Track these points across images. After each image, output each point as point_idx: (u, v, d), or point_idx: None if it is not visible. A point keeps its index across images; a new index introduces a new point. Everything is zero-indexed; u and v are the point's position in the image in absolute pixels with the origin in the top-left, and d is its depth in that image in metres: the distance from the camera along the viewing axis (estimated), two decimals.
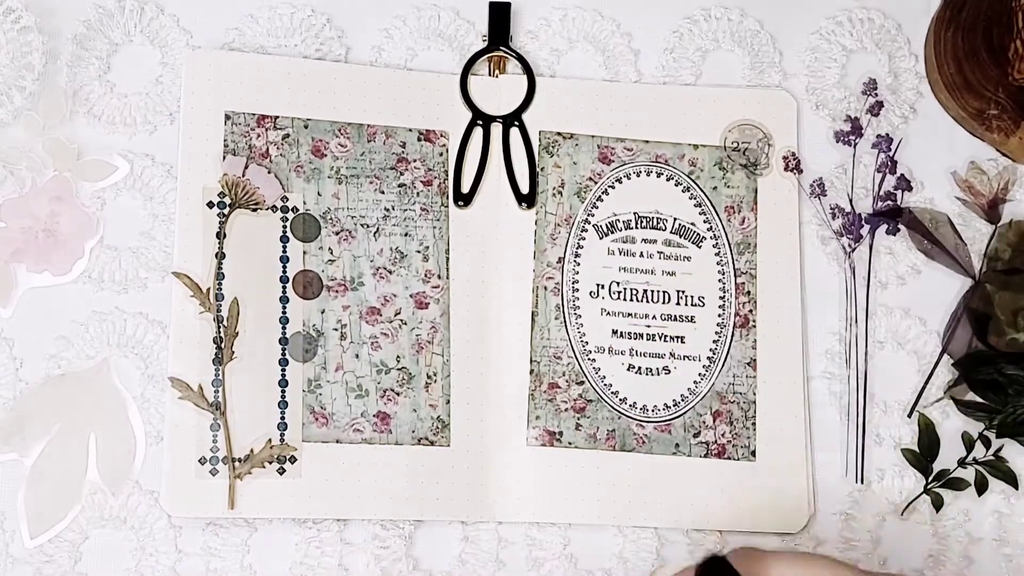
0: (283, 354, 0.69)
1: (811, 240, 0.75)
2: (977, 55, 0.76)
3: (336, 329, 0.70)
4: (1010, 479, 0.71)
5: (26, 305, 0.69)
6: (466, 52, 0.75)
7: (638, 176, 0.74)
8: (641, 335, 0.72)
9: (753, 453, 0.72)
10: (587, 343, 0.72)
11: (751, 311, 0.73)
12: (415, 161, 0.73)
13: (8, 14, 0.72)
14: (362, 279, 0.71)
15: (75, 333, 0.69)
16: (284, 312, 0.70)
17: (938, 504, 0.71)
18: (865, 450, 0.72)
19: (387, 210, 0.72)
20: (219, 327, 0.69)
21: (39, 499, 0.67)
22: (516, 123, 0.74)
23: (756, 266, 0.74)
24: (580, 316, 0.72)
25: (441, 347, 0.71)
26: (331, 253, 0.71)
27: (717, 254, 0.74)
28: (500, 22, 0.75)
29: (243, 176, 0.71)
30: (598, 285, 0.73)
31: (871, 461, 0.72)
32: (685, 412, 0.72)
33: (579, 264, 0.73)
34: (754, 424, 0.72)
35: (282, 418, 0.68)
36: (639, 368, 0.72)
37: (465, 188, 0.73)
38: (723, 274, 0.74)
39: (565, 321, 0.72)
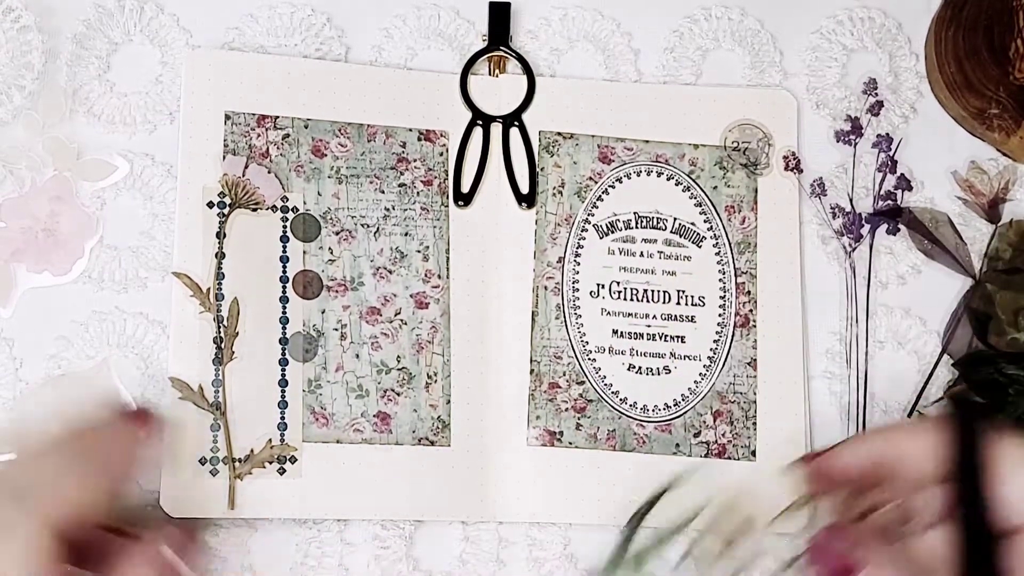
0: (283, 354, 0.69)
1: (811, 240, 0.75)
2: (978, 54, 0.76)
3: (336, 329, 0.70)
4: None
5: (26, 305, 0.69)
6: (466, 52, 0.75)
7: (638, 176, 0.74)
8: (641, 335, 0.72)
9: (753, 453, 0.72)
10: (587, 343, 0.72)
11: (751, 311, 0.73)
12: (415, 161, 0.73)
13: (8, 13, 0.71)
14: (362, 279, 0.71)
15: (75, 333, 0.69)
16: (284, 312, 0.70)
17: None
18: None
19: (387, 210, 0.72)
20: (219, 327, 0.69)
21: None
22: (516, 123, 0.74)
23: (756, 266, 0.74)
24: (580, 316, 0.72)
25: (441, 347, 0.71)
26: (331, 253, 0.71)
27: (717, 254, 0.74)
28: (500, 22, 0.75)
29: (243, 176, 0.71)
30: (598, 285, 0.73)
31: None
32: (685, 412, 0.72)
33: (579, 264, 0.73)
34: (754, 424, 0.72)
35: (282, 418, 0.68)
36: (639, 368, 0.72)
37: (465, 188, 0.73)
38: (723, 274, 0.74)
39: (565, 321, 0.72)
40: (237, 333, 0.69)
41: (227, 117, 0.71)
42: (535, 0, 0.76)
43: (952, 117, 0.77)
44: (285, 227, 0.71)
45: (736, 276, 0.74)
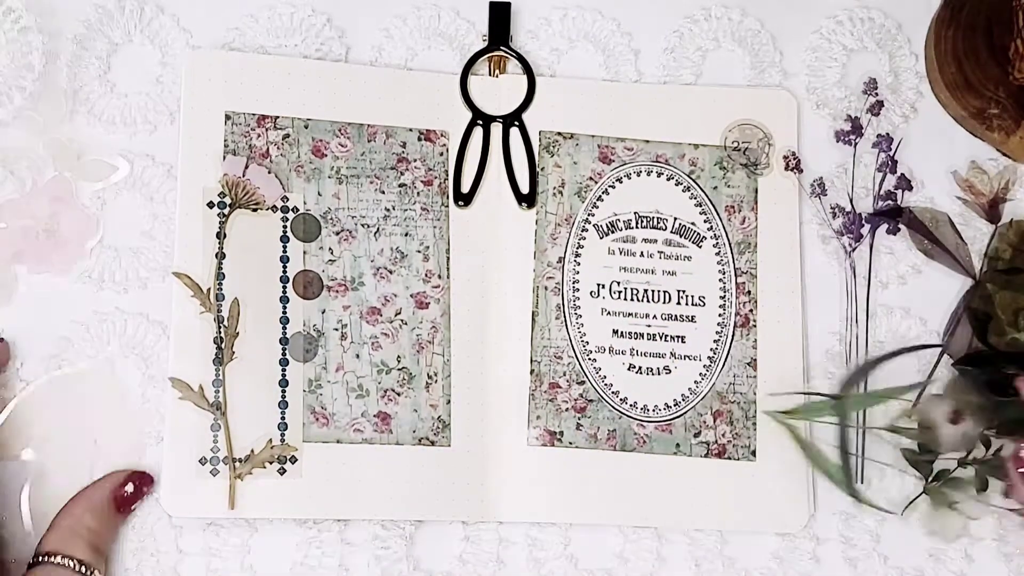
0: (283, 354, 0.69)
1: (811, 240, 0.75)
2: (978, 54, 0.76)
3: (336, 329, 0.70)
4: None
5: (27, 305, 0.69)
6: (466, 52, 0.75)
7: (638, 176, 0.74)
8: (642, 335, 0.72)
9: (753, 453, 0.72)
10: (587, 343, 0.72)
11: (751, 311, 0.73)
12: (415, 161, 0.73)
13: (8, 14, 0.71)
14: (362, 279, 0.71)
15: (75, 333, 0.69)
16: (284, 312, 0.70)
17: (936, 504, 0.71)
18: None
19: (387, 210, 0.72)
20: (219, 327, 0.69)
21: (41, 500, 0.67)
22: (516, 123, 0.74)
23: (756, 266, 0.74)
24: (580, 316, 0.72)
25: (441, 347, 0.71)
26: (331, 253, 0.71)
27: (717, 254, 0.74)
28: (500, 22, 0.75)
29: (243, 176, 0.71)
30: (598, 285, 0.73)
31: (870, 461, 0.72)
32: (686, 412, 0.72)
33: (579, 264, 0.73)
34: (754, 424, 0.72)
35: (282, 418, 0.68)
36: (640, 368, 0.72)
37: (465, 188, 0.73)
38: (723, 274, 0.74)
39: (565, 321, 0.72)
40: (237, 333, 0.69)
41: (227, 117, 0.71)
42: (535, 0, 0.76)
43: (952, 117, 0.77)
44: (285, 227, 0.71)
45: (736, 276, 0.74)
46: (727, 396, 0.72)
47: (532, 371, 0.71)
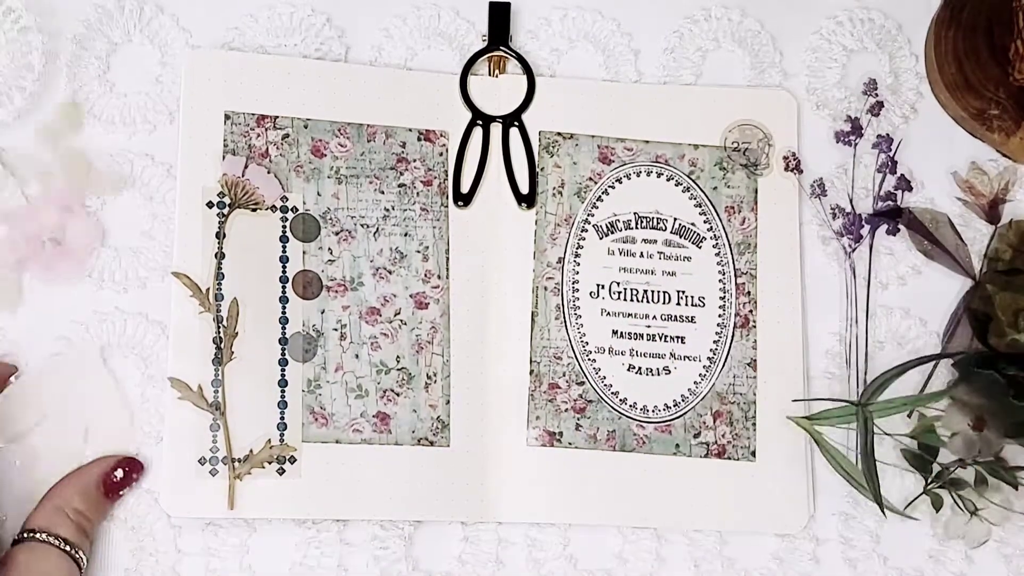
0: (283, 354, 0.69)
1: (811, 240, 0.75)
2: (978, 55, 0.76)
3: (336, 329, 0.70)
4: (1010, 479, 0.71)
5: (27, 305, 0.69)
6: (466, 52, 0.75)
7: (638, 176, 0.74)
8: (641, 335, 0.72)
9: (753, 453, 0.72)
10: (587, 343, 0.72)
11: (751, 311, 0.73)
12: (415, 161, 0.73)
13: (8, 14, 0.71)
14: (362, 279, 0.71)
15: (75, 333, 0.69)
16: (284, 312, 0.70)
17: (938, 504, 0.71)
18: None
19: (387, 210, 0.72)
20: (219, 327, 0.69)
21: (31, 489, 0.66)
22: (516, 123, 0.74)
23: (756, 266, 0.74)
24: (580, 316, 0.72)
25: (441, 347, 0.71)
26: (331, 253, 0.71)
27: (717, 254, 0.74)
28: (500, 22, 0.75)
29: (243, 176, 0.71)
30: (598, 285, 0.73)
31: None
32: (685, 412, 0.72)
33: (579, 264, 0.73)
34: (754, 424, 0.72)
35: (282, 418, 0.68)
36: (639, 368, 0.72)
37: (465, 188, 0.73)
38: (723, 274, 0.74)
39: (565, 321, 0.72)
40: (237, 333, 0.69)
41: (227, 117, 0.71)
42: (535, 0, 0.76)
43: (952, 118, 0.77)
44: (285, 227, 0.71)
45: (736, 276, 0.74)
46: (727, 397, 0.72)
47: (532, 371, 0.71)
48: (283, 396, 0.69)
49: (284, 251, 0.70)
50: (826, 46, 0.77)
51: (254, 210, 0.70)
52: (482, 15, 0.75)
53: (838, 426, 0.71)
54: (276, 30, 0.74)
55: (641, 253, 0.73)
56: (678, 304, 0.73)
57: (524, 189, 0.73)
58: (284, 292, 0.70)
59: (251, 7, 0.74)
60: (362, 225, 0.71)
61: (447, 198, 0.73)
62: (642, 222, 0.74)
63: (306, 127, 0.72)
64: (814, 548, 0.71)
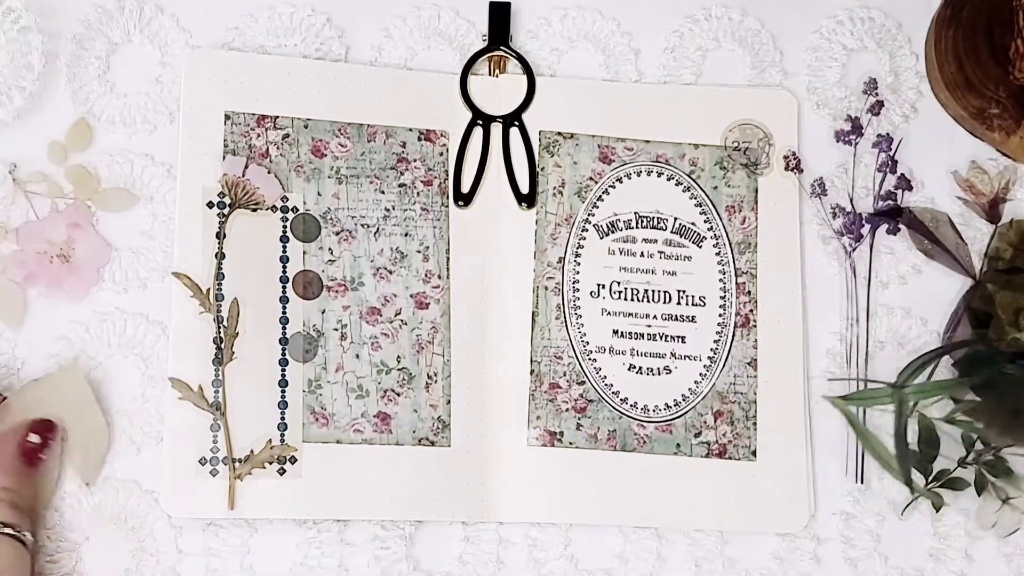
0: (283, 354, 0.69)
1: (812, 240, 0.75)
2: (978, 54, 0.76)
3: (336, 329, 0.70)
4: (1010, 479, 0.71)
5: (33, 323, 0.69)
6: (466, 52, 0.75)
7: (639, 176, 0.74)
8: (642, 335, 0.72)
9: (754, 453, 0.72)
10: (588, 343, 0.72)
11: (752, 311, 0.73)
12: (415, 161, 0.73)
13: (8, 14, 0.71)
14: (362, 279, 0.71)
15: (75, 333, 0.69)
16: (284, 312, 0.70)
17: (938, 504, 0.71)
18: (865, 450, 0.72)
19: (387, 210, 0.72)
20: (219, 327, 0.69)
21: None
22: (516, 123, 0.74)
23: (757, 266, 0.74)
24: (581, 316, 0.72)
25: (441, 347, 0.71)
26: (331, 253, 0.71)
27: (718, 254, 0.74)
28: (500, 22, 0.75)
29: (243, 176, 0.71)
30: (599, 285, 0.73)
31: (871, 461, 0.71)
32: (686, 412, 0.72)
33: (579, 264, 0.73)
34: (755, 424, 0.72)
35: (282, 418, 0.68)
36: (640, 368, 0.72)
37: (465, 188, 0.73)
38: (724, 274, 0.74)
39: (566, 321, 0.72)
40: (237, 333, 0.69)
41: (227, 117, 0.71)
42: (535, 0, 0.76)
43: (952, 117, 0.77)
44: (285, 227, 0.71)
45: (736, 276, 0.74)
46: (727, 396, 0.72)
47: (532, 371, 0.71)
48: (284, 396, 0.69)
49: (284, 251, 0.70)
50: (826, 45, 0.77)
51: (254, 210, 0.70)
52: (482, 15, 0.75)
53: (872, 407, 0.71)
54: (276, 30, 0.74)
55: (641, 253, 0.73)
56: (679, 304, 0.73)
57: (524, 189, 0.73)
58: (284, 292, 0.70)
59: (251, 7, 0.74)
60: (362, 225, 0.71)
61: (447, 198, 0.73)
62: (642, 222, 0.74)
63: (306, 127, 0.72)
64: (815, 547, 0.71)
